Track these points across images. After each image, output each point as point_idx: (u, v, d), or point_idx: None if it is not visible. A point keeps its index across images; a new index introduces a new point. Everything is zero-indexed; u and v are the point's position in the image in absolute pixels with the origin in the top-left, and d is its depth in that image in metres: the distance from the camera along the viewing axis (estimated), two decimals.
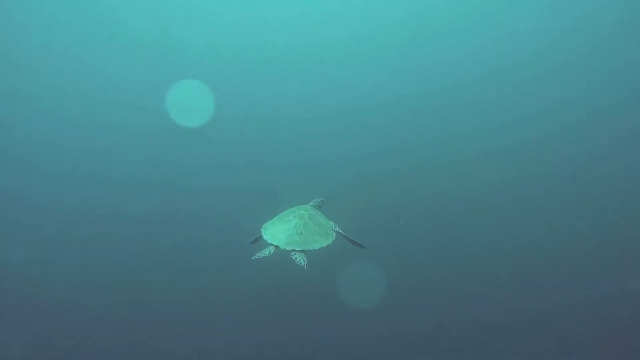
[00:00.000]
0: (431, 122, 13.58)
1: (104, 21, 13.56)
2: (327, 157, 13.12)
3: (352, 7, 12.68)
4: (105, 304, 9.15)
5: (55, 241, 10.84)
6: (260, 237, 5.74)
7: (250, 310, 9.00)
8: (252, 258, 5.41)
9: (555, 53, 13.26)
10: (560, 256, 9.81)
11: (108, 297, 9.30)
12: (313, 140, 13.55)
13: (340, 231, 6.07)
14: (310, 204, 6.52)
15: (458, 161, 12.65)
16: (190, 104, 13.90)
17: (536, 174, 12.23)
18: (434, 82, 13.66)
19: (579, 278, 9.20)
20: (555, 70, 12.94)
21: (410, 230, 11.06)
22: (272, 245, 5.53)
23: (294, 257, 5.41)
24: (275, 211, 6.13)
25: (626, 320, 8.36)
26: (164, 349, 8.45)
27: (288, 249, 5.45)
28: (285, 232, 5.60)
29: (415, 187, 12.31)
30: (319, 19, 12.24)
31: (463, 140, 13.29)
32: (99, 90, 13.61)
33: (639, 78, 12.19)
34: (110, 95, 13.73)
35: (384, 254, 9.40)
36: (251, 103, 13.75)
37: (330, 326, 8.82)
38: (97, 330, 8.69)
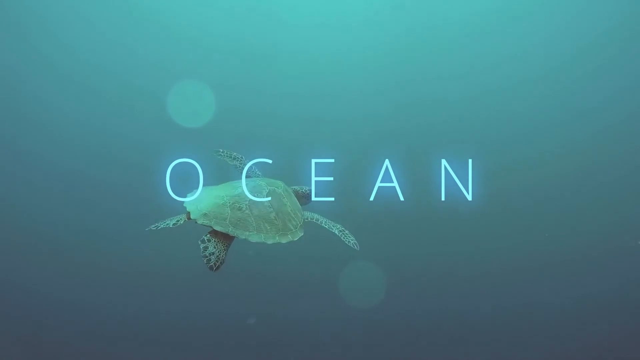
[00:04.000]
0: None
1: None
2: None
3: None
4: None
5: None
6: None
7: None
8: (146, 229, 3.37)
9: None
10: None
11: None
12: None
13: (324, 223, 3.97)
14: (292, 188, 4.18)
15: None
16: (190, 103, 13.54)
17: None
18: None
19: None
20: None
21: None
22: (187, 212, 3.42)
23: (201, 245, 3.24)
24: None
25: None
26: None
27: (200, 222, 3.29)
28: (215, 199, 3.42)
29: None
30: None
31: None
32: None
33: None
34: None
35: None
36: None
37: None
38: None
